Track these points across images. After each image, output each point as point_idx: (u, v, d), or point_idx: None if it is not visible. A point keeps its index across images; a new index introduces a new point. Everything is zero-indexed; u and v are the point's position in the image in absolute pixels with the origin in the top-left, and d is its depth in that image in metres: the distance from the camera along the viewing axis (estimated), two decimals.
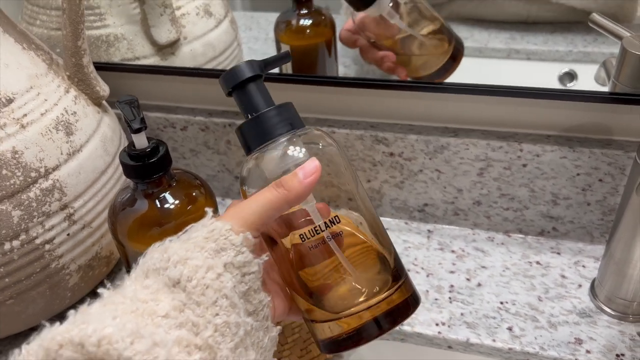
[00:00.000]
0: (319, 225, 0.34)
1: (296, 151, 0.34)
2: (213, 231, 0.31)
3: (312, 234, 0.34)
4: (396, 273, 0.37)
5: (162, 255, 0.30)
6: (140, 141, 0.38)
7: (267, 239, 0.35)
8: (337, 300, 0.35)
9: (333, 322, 0.34)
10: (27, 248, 0.44)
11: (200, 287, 0.29)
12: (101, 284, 0.53)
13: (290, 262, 0.36)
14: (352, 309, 0.34)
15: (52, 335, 0.27)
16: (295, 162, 0.34)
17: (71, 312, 0.28)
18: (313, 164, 0.33)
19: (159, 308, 0.28)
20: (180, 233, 0.32)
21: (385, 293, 0.35)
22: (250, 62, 0.35)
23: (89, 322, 0.27)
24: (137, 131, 0.37)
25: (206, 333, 0.28)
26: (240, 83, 0.35)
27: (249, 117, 0.35)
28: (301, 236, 0.34)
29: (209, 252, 0.30)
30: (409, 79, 0.58)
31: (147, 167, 0.39)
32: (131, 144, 0.39)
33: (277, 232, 0.35)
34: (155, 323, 0.28)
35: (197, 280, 0.29)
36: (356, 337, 0.34)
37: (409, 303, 0.36)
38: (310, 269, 0.35)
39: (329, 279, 0.35)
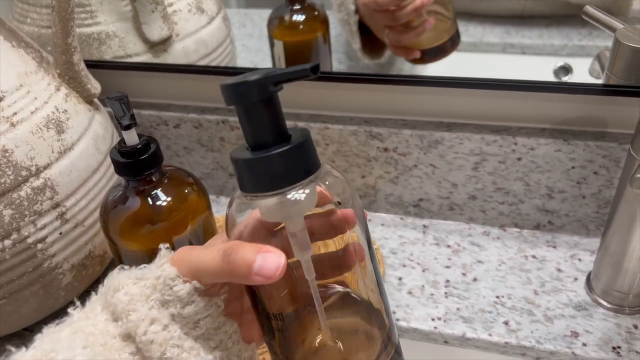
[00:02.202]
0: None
1: (298, 194, 0.27)
2: (159, 278, 0.28)
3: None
4: (387, 339, 0.31)
5: (111, 299, 0.29)
6: (131, 138, 0.38)
7: None
8: None
9: None
10: (18, 247, 0.44)
11: (144, 342, 0.28)
12: (95, 283, 0.53)
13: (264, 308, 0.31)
14: None
15: None
16: (297, 208, 0.28)
17: (38, 336, 0.28)
18: (277, 261, 0.26)
19: (126, 345, 0.28)
20: (137, 269, 0.30)
21: None
22: (262, 81, 0.26)
23: (58, 350, 0.26)
24: (127, 128, 0.36)
25: None
26: (247, 104, 0.27)
27: (251, 149, 0.28)
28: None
29: (154, 301, 0.28)
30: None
31: (138, 164, 0.39)
32: (122, 141, 0.39)
33: None
34: (122, 358, 0.28)
35: (139, 337, 0.28)
36: None
37: None
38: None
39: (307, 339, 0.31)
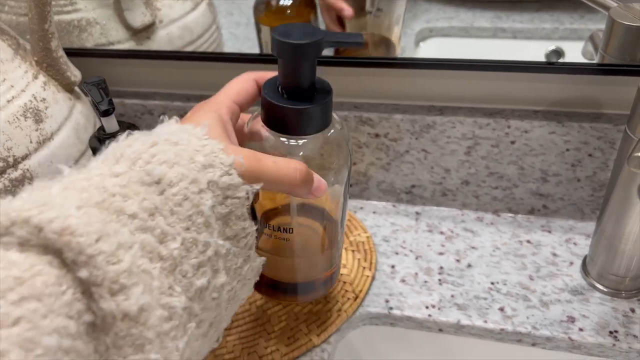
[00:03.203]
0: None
1: (301, 141, 0.35)
2: (205, 146, 0.29)
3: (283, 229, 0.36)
4: (336, 254, 0.43)
5: (148, 148, 0.27)
6: (111, 124, 0.36)
7: None
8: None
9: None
10: None
11: (180, 196, 0.27)
12: None
13: None
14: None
15: (4, 209, 0.23)
16: (297, 151, 0.35)
17: (27, 187, 0.25)
18: (324, 186, 0.34)
19: (126, 205, 0.26)
20: (165, 132, 0.29)
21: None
22: (317, 44, 0.32)
23: (50, 205, 0.23)
24: (105, 113, 0.35)
25: (173, 244, 0.26)
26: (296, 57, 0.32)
27: (282, 92, 0.33)
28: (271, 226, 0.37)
29: (196, 164, 0.28)
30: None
31: None
32: (101, 128, 0.37)
33: None
34: (120, 221, 0.25)
35: (178, 188, 0.27)
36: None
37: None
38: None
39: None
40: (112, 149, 0.28)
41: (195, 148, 0.28)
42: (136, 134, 0.29)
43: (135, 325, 0.24)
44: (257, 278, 0.33)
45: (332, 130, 0.36)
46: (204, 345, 0.29)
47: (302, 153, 0.35)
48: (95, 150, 0.37)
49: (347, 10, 0.56)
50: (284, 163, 0.31)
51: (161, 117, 0.32)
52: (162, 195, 0.27)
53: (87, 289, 0.23)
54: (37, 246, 0.23)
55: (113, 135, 0.37)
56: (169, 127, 0.30)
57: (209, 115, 0.32)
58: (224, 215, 0.29)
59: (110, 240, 0.24)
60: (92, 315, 0.23)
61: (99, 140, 0.37)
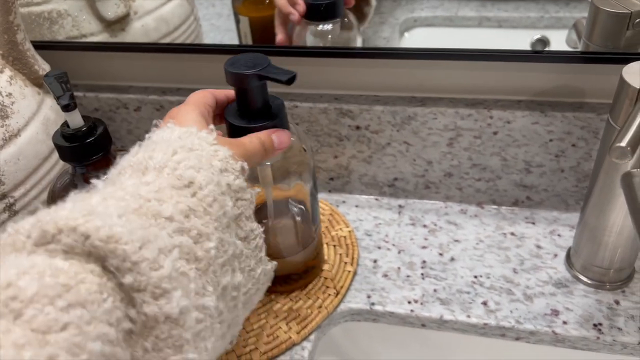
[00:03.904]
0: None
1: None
2: (218, 151, 0.31)
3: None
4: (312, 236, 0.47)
5: (170, 157, 0.29)
6: (74, 120, 0.35)
7: None
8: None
9: None
10: None
11: (210, 197, 0.29)
12: None
13: None
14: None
15: (52, 217, 0.24)
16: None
17: (70, 196, 0.26)
18: (286, 137, 0.36)
19: (163, 209, 0.27)
20: (172, 138, 0.31)
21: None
22: (258, 75, 0.35)
23: (95, 214, 0.24)
24: (66, 108, 0.33)
25: (209, 244, 0.28)
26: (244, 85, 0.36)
27: (240, 113, 0.37)
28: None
29: (214, 168, 0.30)
30: None
31: (84, 148, 0.36)
32: (65, 124, 0.36)
33: None
34: (159, 225, 0.26)
35: (208, 190, 0.28)
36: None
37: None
38: None
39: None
40: (130, 163, 0.29)
41: (210, 153, 0.30)
42: (148, 143, 0.31)
43: (176, 327, 0.25)
44: (270, 283, 0.34)
45: (292, 139, 0.39)
46: (219, 346, 0.31)
47: (269, 162, 0.39)
48: (58, 147, 0.36)
49: (294, 15, 0.54)
50: (248, 140, 0.34)
51: (154, 122, 0.33)
52: (195, 197, 0.28)
53: (125, 297, 0.24)
54: (81, 254, 0.24)
55: (77, 131, 0.35)
56: (172, 133, 0.31)
57: (192, 112, 0.34)
58: (236, 216, 0.31)
59: (151, 247, 0.25)
60: (129, 323, 0.24)
61: (64, 136, 0.36)
